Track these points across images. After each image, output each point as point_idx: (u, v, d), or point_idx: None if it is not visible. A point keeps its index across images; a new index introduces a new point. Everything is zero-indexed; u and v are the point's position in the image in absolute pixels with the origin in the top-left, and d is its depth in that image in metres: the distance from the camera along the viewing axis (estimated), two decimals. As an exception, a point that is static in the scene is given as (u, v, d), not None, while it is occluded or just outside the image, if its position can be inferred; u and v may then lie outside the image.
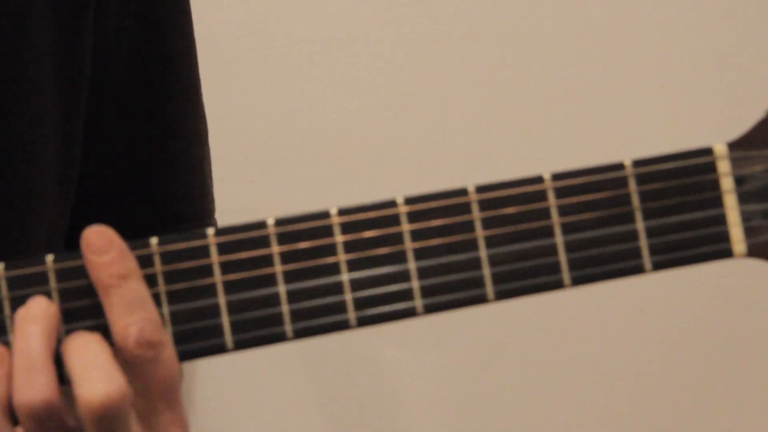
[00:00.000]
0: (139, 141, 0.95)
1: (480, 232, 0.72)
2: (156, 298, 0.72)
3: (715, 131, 1.49)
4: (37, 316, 0.70)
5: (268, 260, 0.72)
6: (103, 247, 0.70)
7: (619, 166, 0.72)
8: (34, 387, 0.68)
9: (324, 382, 1.54)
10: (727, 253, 0.72)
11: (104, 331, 0.72)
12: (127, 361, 0.70)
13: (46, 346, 0.70)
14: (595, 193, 0.72)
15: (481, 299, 0.72)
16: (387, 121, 1.52)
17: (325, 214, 0.72)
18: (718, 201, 0.72)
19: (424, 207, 0.72)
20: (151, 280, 0.72)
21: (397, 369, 1.55)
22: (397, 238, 0.72)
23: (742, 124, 0.74)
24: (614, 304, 1.56)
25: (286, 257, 0.72)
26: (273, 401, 1.46)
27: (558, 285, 0.72)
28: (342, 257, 0.72)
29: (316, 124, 1.51)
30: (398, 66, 1.52)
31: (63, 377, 0.71)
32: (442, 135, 1.53)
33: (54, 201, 0.91)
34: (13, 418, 0.70)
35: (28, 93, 0.89)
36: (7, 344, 0.72)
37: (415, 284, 0.72)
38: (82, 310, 0.72)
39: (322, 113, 1.51)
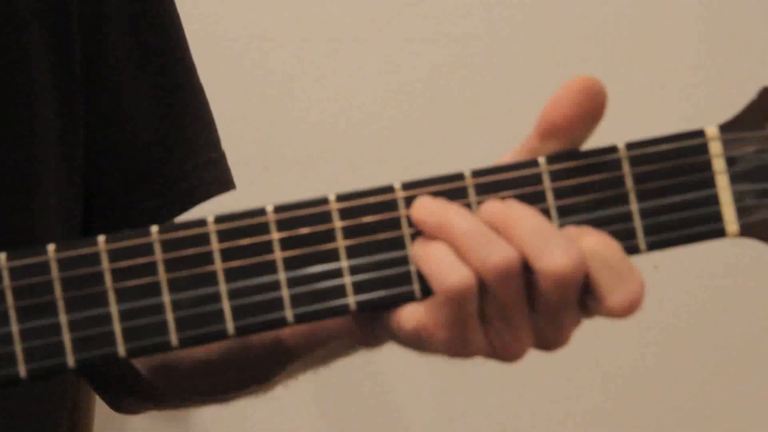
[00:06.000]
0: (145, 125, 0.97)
1: (477, 216, 0.73)
2: (157, 286, 0.72)
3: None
4: (443, 203, 0.72)
5: (268, 247, 0.73)
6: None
7: (613, 149, 0.73)
8: (498, 248, 0.70)
9: (322, 382, 1.54)
10: (720, 233, 0.72)
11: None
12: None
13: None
14: (589, 175, 0.73)
15: (479, 283, 0.73)
16: (387, 121, 1.52)
17: (324, 200, 0.72)
18: (710, 182, 0.72)
19: (421, 192, 0.73)
20: (151, 269, 0.72)
21: (396, 369, 1.56)
22: (396, 223, 0.73)
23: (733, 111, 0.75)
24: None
25: (285, 243, 0.73)
26: (272, 401, 1.46)
27: None
28: (341, 243, 0.72)
29: (316, 124, 1.52)
30: (399, 66, 1.52)
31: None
32: (442, 135, 1.53)
33: (58, 194, 0.92)
34: None
35: (23, 90, 0.90)
36: (9, 335, 0.72)
37: (414, 269, 0.72)
38: (87, 297, 0.72)
39: (323, 113, 1.52)
